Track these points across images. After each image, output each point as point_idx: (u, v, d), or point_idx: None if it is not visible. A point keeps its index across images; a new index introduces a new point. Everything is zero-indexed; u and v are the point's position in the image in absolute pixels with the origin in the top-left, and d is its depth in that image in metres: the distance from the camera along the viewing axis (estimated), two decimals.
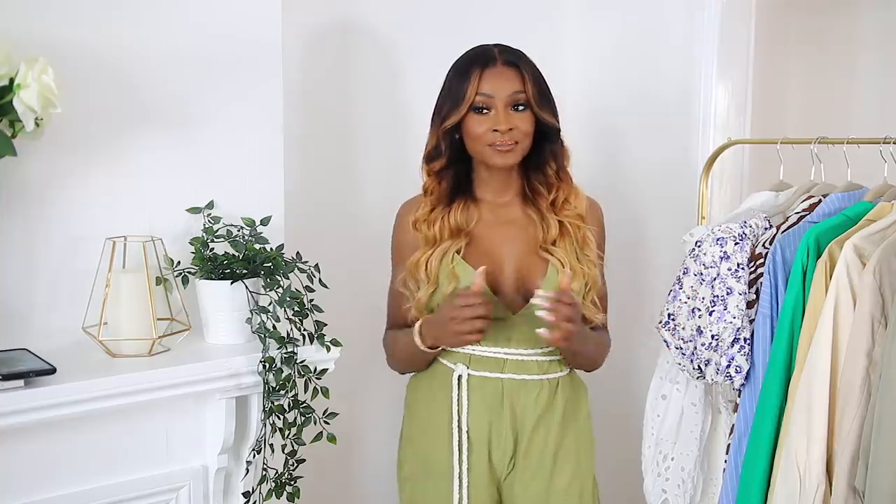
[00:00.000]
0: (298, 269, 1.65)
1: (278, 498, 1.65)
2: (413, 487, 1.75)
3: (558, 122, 1.68)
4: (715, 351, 1.76)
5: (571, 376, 1.75)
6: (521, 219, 1.70)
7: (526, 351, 1.66)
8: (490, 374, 1.66)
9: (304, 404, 1.63)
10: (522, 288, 1.65)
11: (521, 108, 1.61)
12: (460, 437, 1.65)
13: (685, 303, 1.81)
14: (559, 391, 1.69)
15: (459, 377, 1.66)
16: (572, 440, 1.71)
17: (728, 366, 1.75)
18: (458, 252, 1.65)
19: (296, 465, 1.66)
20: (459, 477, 1.65)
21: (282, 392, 1.58)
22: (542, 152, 1.67)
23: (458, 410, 1.65)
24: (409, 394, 1.79)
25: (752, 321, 1.75)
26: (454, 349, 1.67)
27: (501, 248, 1.68)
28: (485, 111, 1.61)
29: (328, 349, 1.64)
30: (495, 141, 1.60)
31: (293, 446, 1.64)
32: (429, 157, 1.68)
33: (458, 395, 1.66)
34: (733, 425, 1.80)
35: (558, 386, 1.70)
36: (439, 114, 1.65)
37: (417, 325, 1.65)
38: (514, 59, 1.63)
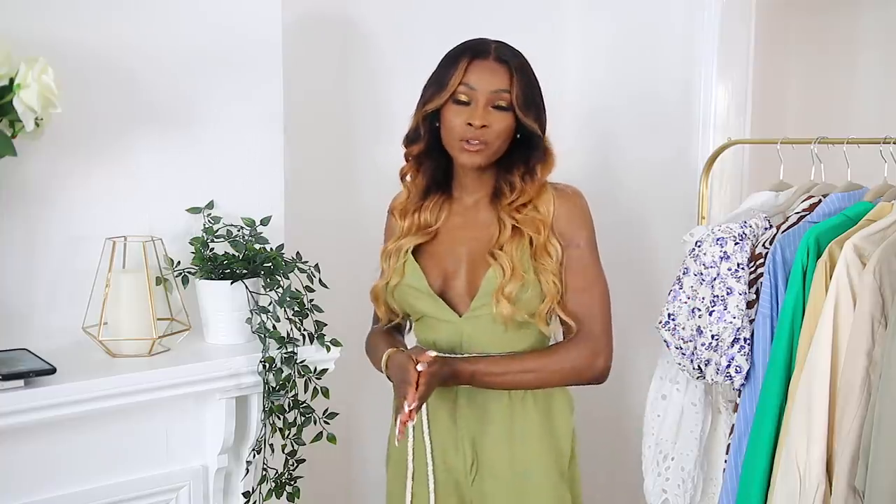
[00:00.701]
0: (298, 269, 1.65)
1: (278, 498, 1.66)
2: (388, 485, 1.74)
3: (544, 128, 1.61)
4: (715, 351, 1.76)
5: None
6: (486, 219, 1.65)
7: (479, 356, 1.60)
8: None
9: (304, 404, 1.63)
10: (472, 290, 1.61)
11: (502, 107, 1.56)
12: (415, 438, 1.63)
13: (685, 303, 1.81)
14: (528, 400, 1.62)
15: None
16: (548, 456, 1.63)
17: (728, 366, 1.75)
18: (409, 249, 1.63)
19: (296, 465, 1.66)
20: (414, 477, 1.64)
21: (282, 392, 1.58)
22: (517, 155, 1.62)
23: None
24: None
25: (752, 321, 1.75)
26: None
27: (459, 248, 1.64)
28: (465, 103, 1.56)
29: (328, 349, 1.64)
30: (466, 135, 1.55)
31: (293, 446, 1.64)
32: (407, 140, 1.65)
33: None
34: (733, 425, 1.80)
35: (525, 394, 1.62)
36: (422, 97, 1.61)
37: (385, 357, 1.59)
38: (508, 57, 1.57)
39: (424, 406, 1.61)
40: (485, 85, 1.55)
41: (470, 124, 1.54)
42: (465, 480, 1.65)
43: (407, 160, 1.67)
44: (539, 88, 1.61)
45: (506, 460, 1.62)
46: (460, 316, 1.61)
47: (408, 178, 1.69)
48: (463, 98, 1.56)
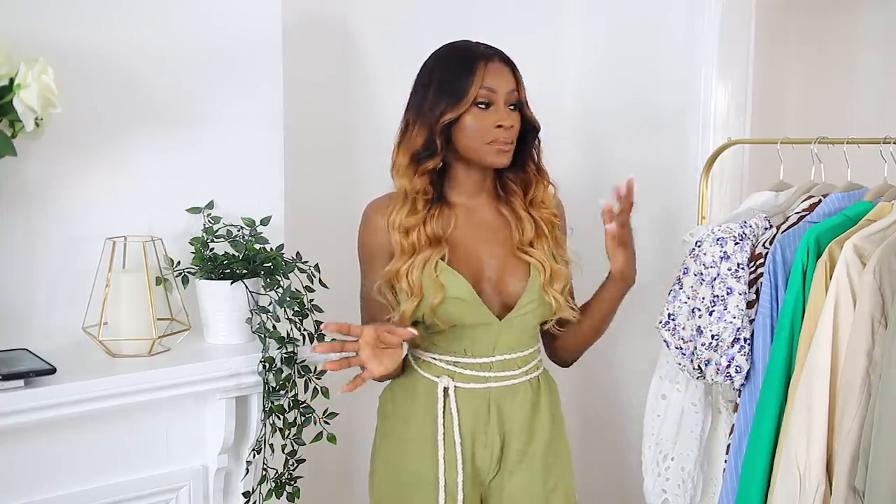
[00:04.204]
0: (298, 269, 1.65)
1: (278, 498, 1.66)
2: (390, 501, 1.70)
3: None
4: (715, 351, 1.76)
5: (546, 374, 1.74)
6: (496, 220, 1.67)
7: (509, 356, 1.64)
8: (476, 384, 1.63)
9: (304, 404, 1.63)
10: (504, 291, 1.63)
11: (513, 107, 1.60)
12: (446, 448, 1.62)
13: (685, 303, 1.81)
14: (542, 389, 1.69)
15: (445, 389, 1.63)
16: (556, 439, 1.70)
17: (728, 366, 1.75)
18: (442, 259, 1.59)
19: (296, 465, 1.66)
20: (446, 489, 1.62)
21: (282, 392, 1.58)
22: (523, 151, 1.65)
23: (444, 423, 1.62)
24: (385, 405, 1.74)
25: (752, 321, 1.75)
26: (436, 362, 1.65)
27: (480, 252, 1.64)
28: (487, 106, 1.57)
29: None
30: (498, 137, 1.57)
31: (293, 446, 1.64)
32: (421, 156, 1.59)
33: (445, 406, 1.62)
34: (733, 425, 1.80)
35: (540, 385, 1.69)
36: (433, 109, 1.58)
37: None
38: (507, 58, 1.62)
39: (455, 419, 1.62)
40: (502, 86, 1.58)
41: (500, 126, 1.57)
42: (486, 479, 1.67)
43: (422, 175, 1.60)
44: None
45: (524, 450, 1.66)
46: (500, 319, 1.62)
47: (423, 191, 1.61)
48: (485, 102, 1.57)
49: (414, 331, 1.46)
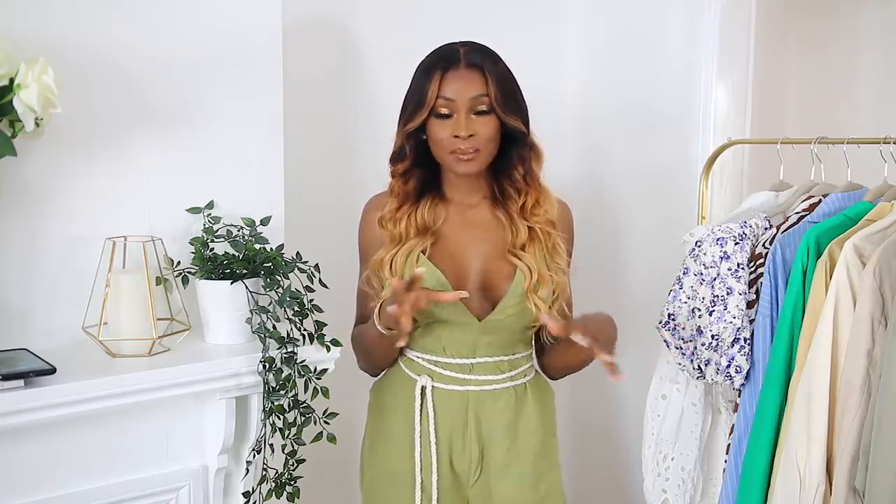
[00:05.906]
0: (298, 269, 1.65)
1: (278, 498, 1.66)
2: (375, 497, 1.72)
3: (527, 123, 1.61)
4: (715, 351, 1.76)
5: (538, 381, 1.71)
6: (490, 221, 1.65)
7: (492, 359, 1.63)
8: (455, 386, 1.63)
9: (304, 404, 1.63)
10: (489, 292, 1.61)
11: (484, 112, 1.55)
12: (422, 447, 1.63)
13: (685, 303, 1.81)
14: (528, 396, 1.66)
15: (423, 388, 1.63)
16: (547, 447, 1.68)
17: (728, 366, 1.75)
18: (423, 252, 1.60)
19: (296, 465, 1.66)
20: (422, 487, 1.63)
21: (282, 392, 1.58)
22: (510, 156, 1.62)
23: (421, 421, 1.63)
24: (372, 399, 1.76)
25: (752, 321, 1.75)
26: (417, 360, 1.65)
27: (468, 249, 1.63)
28: (447, 116, 1.55)
29: (328, 349, 1.64)
30: (456, 147, 1.55)
31: (293, 446, 1.64)
32: (393, 159, 1.64)
33: (422, 406, 1.63)
34: (733, 425, 1.80)
35: (527, 391, 1.66)
36: (403, 114, 1.60)
37: (378, 304, 1.58)
38: (479, 61, 1.56)
39: (432, 419, 1.62)
40: (462, 94, 1.55)
41: (457, 136, 1.54)
42: (467, 482, 1.66)
43: (394, 177, 1.65)
44: (515, 82, 1.60)
45: (508, 456, 1.64)
46: (479, 320, 1.60)
47: (396, 191, 1.66)
48: (444, 111, 1.56)
49: (463, 292, 1.49)
